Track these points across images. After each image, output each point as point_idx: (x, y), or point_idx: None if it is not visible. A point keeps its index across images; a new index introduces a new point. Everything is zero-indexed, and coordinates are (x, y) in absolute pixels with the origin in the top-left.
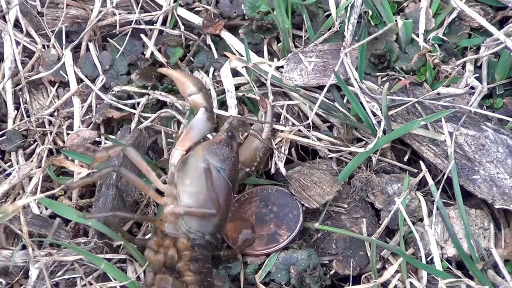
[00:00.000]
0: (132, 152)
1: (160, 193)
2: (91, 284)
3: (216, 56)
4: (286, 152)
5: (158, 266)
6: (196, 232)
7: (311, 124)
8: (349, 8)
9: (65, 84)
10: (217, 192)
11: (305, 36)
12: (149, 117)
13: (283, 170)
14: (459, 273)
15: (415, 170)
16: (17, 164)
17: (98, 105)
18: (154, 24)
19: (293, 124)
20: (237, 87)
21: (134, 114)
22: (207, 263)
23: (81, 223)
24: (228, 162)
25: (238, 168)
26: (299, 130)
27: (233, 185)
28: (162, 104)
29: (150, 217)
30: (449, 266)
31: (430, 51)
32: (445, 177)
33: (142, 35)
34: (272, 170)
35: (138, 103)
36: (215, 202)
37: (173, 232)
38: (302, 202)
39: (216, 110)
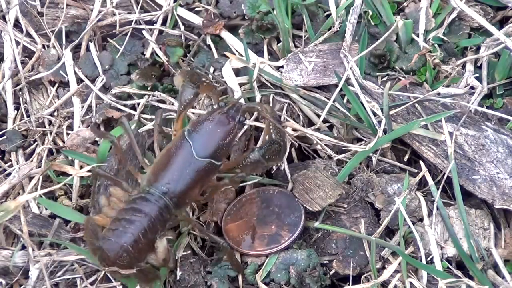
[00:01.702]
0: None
1: None
2: (91, 284)
3: (216, 56)
4: (287, 151)
5: None
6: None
7: (319, 127)
8: (349, 8)
9: (65, 84)
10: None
11: (305, 36)
12: (149, 118)
13: (286, 169)
14: (459, 273)
15: (415, 170)
16: (17, 164)
17: (98, 105)
18: (154, 24)
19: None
20: None
21: (134, 114)
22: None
23: (81, 222)
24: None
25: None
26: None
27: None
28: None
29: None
30: (449, 266)
31: (430, 51)
32: (445, 177)
33: (145, 32)
34: (274, 168)
35: (138, 103)
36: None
37: None
38: (304, 205)
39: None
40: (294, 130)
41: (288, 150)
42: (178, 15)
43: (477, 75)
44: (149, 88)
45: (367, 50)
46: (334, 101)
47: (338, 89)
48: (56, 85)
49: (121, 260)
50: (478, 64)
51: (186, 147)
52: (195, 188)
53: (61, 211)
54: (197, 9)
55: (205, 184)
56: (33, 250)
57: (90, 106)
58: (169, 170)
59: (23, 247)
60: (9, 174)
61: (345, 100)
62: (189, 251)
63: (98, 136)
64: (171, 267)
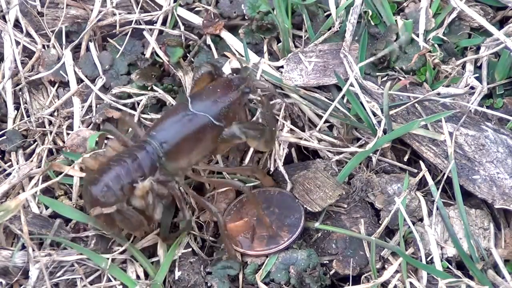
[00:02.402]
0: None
1: None
2: (91, 284)
3: (216, 56)
4: (285, 152)
5: None
6: None
7: (319, 128)
8: (349, 8)
9: (65, 84)
10: None
11: (305, 36)
12: (149, 117)
13: (282, 169)
14: (459, 273)
15: (415, 170)
16: (17, 164)
17: (98, 105)
18: (154, 24)
19: (294, 128)
20: None
21: (134, 114)
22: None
23: (82, 222)
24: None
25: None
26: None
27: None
28: (162, 104)
29: None
30: (449, 266)
31: (430, 51)
32: (445, 177)
33: (145, 32)
34: (272, 169)
35: (138, 103)
36: None
37: None
38: (304, 206)
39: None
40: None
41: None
42: (178, 15)
43: (477, 75)
44: (149, 88)
45: (371, 59)
46: (334, 101)
47: (342, 93)
48: (56, 85)
49: (103, 196)
50: (478, 64)
51: (185, 102)
52: (190, 142)
53: (61, 209)
54: (197, 9)
55: (202, 145)
56: (33, 250)
57: (90, 106)
58: (165, 120)
59: (23, 247)
60: (9, 174)
61: (345, 100)
62: (189, 250)
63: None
64: (154, 216)
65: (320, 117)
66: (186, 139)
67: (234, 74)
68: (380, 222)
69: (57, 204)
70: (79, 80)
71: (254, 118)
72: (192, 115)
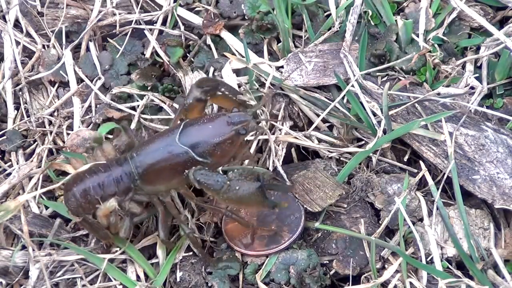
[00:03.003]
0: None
1: None
2: (91, 284)
3: (216, 56)
4: (284, 151)
5: None
6: None
7: (318, 127)
8: (349, 8)
9: (65, 84)
10: None
11: (305, 36)
12: (149, 118)
13: (280, 169)
14: (459, 273)
15: (415, 170)
16: (17, 164)
17: (98, 105)
18: (154, 24)
19: (294, 127)
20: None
21: (134, 114)
22: None
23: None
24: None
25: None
26: (300, 131)
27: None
28: (161, 105)
29: None
30: (449, 266)
31: (430, 51)
32: (445, 177)
33: (146, 32)
34: (271, 169)
35: (138, 104)
36: None
37: None
38: (304, 205)
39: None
40: (287, 133)
41: (285, 149)
42: (178, 15)
43: (477, 75)
44: (149, 88)
45: (379, 67)
46: (334, 101)
47: (342, 94)
48: (56, 85)
49: (69, 205)
50: (478, 64)
51: (175, 130)
52: (167, 172)
53: (62, 209)
54: (197, 9)
55: (181, 177)
56: (33, 250)
57: (90, 106)
58: (149, 143)
59: (23, 247)
60: (9, 174)
61: (345, 100)
62: (190, 253)
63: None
64: (120, 234)
65: (320, 117)
66: (164, 168)
67: (236, 109)
68: (380, 222)
69: (57, 205)
70: (79, 80)
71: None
72: (176, 147)
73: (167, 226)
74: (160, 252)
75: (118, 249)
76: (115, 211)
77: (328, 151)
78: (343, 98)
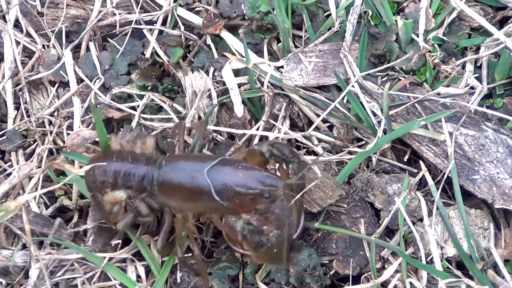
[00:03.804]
0: None
1: None
2: (91, 284)
3: (216, 56)
4: None
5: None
6: None
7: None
8: (349, 8)
9: (65, 84)
10: None
11: (305, 36)
12: (149, 118)
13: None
14: (459, 273)
15: (415, 170)
16: (17, 164)
17: (98, 105)
18: (154, 24)
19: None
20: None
21: (134, 114)
22: None
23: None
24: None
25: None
26: (300, 131)
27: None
28: (161, 105)
29: None
30: (449, 266)
31: (430, 51)
32: (445, 177)
33: (146, 32)
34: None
35: (138, 105)
36: None
37: None
38: (304, 206)
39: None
40: (285, 133)
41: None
42: (178, 15)
43: (477, 75)
44: (149, 88)
45: (380, 67)
46: (334, 101)
47: (343, 94)
48: (56, 85)
49: (86, 176)
50: (478, 64)
51: (209, 162)
52: (183, 193)
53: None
54: (197, 9)
55: (193, 204)
56: (34, 250)
57: (90, 106)
58: (180, 159)
59: (24, 247)
60: (9, 174)
61: (345, 100)
62: (189, 254)
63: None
64: (117, 226)
65: (320, 116)
66: (181, 188)
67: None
68: (380, 222)
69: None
70: (79, 80)
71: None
72: (201, 176)
73: (166, 239)
74: (155, 251)
75: (119, 241)
76: (122, 202)
77: (328, 151)
78: (343, 98)
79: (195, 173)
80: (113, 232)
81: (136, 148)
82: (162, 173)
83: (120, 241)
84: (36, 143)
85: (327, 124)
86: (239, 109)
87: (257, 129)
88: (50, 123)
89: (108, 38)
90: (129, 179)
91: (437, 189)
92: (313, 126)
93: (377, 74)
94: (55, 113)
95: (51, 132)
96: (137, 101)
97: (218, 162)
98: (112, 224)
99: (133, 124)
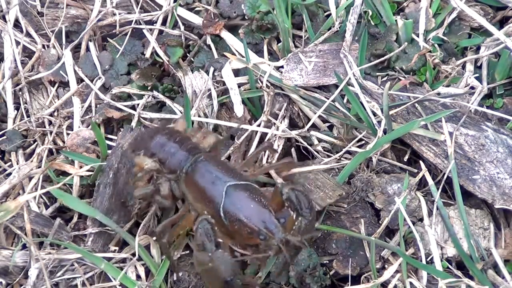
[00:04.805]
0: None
1: None
2: (91, 284)
3: (216, 56)
4: (280, 148)
5: None
6: None
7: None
8: (349, 8)
9: (65, 84)
10: None
11: (305, 36)
12: (149, 117)
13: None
14: (459, 273)
15: (415, 170)
16: (17, 164)
17: (98, 105)
18: (154, 24)
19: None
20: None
21: (134, 114)
22: None
23: (86, 214)
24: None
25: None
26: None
27: None
28: (162, 104)
29: None
30: (449, 266)
31: (430, 51)
32: (445, 177)
33: (146, 32)
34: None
35: (138, 103)
36: None
37: None
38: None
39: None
40: (283, 131)
41: (281, 146)
42: (178, 15)
43: (477, 75)
44: (149, 88)
45: (378, 59)
46: (334, 101)
47: (338, 90)
48: (56, 85)
49: (135, 134)
50: (478, 64)
51: (235, 179)
52: (198, 191)
53: (71, 202)
54: (197, 9)
55: (201, 203)
56: (34, 250)
57: (90, 106)
58: (214, 163)
59: (24, 247)
60: (9, 174)
61: (345, 100)
62: (187, 251)
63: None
64: (133, 192)
65: (320, 117)
66: (199, 188)
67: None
68: (380, 222)
69: (66, 197)
70: (79, 80)
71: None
72: (219, 186)
73: (169, 225)
74: (154, 251)
75: (116, 248)
76: (148, 171)
77: (329, 151)
78: (343, 98)
79: (217, 181)
80: (112, 234)
81: (194, 138)
82: (194, 166)
83: (117, 248)
84: (36, 143)
85: (327, 124)
86: (239, 109)
87: (258, 125)
88: (50, 123)
89: (108, 38)
90: (166, 156)
91: (437, 189)
92: (310, 123)
93: (377, 74)
94: (55, 113)
95: (51, 132)
96: (136, 100)
97: (241, 185)
98: (131, 190)
99: (133, 124)
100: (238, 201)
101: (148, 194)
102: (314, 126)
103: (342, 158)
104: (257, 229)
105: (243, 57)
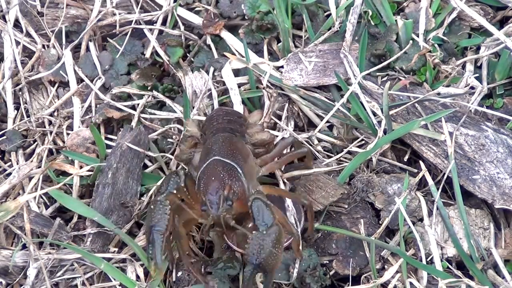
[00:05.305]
0: None
1: None
2: (91, 284)
3: (216, 56)
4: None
5: None
6: None
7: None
8: (349, 8)
9: (65, 84)
10: None
11: (305, 36)
12: (149, 118)
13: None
14: (459, 273)
15: (415, 170)
16: (17, 164)
17: (98, 105)
18: (154, 24)
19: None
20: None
21: (134, 114)
22: None
23: (85, 216)
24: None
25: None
26: (300, 131)
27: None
28: (161, 104)
29: None
30: (449, 266)
31: (430, 51)
32: (445, 177)
33: (146, 32)
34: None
35: (138, 102)
36: None
37: None
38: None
39: None
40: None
41: None
42: (178, 15)
43: (477, 75)
44: (149, 88)
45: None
46: (334, 101)
47: (346, 96)
48: (56, 85)
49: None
50: (478, 64)
51: (234, 167)
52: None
53: (69, 203)
54: (197, 9)
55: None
56: (34, 250)
57: (90, 106)
58: (228, 142)
59: (24, 247)
60: (9, 174)
61: (345, 100)
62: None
63: None
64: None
65: (320, 117)
66: (200, 157)
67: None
68: (380, 222)
69: (65, 198)
70: (79, 80)
71: None
72: (214, 154)
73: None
74: None
75: (116, 249)
76: (189, 135)
77: (329, 151)
78: (342, 98)
79: (213, 153)
80: (111, 234)
81: (250, 129)
82: (215, 138)
83: (116, 249)
84: (36, 143)
85: (327, 124)
86: (239, 109)
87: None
88: (50, 123)
89: (108, 38)
90: (206, 127)
91: (437, 189)
92: (317, 129)
93: (377, 74)
94: (55, 113)
95: (51, 132)
96: (136, 100)
97: (225, 163)
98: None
99: (133, 124)
100: (212, 171)
101: (186, 158)
102: (314, 126)
103: (342, 158)
104: (203, 198)
105: (243, 57)
